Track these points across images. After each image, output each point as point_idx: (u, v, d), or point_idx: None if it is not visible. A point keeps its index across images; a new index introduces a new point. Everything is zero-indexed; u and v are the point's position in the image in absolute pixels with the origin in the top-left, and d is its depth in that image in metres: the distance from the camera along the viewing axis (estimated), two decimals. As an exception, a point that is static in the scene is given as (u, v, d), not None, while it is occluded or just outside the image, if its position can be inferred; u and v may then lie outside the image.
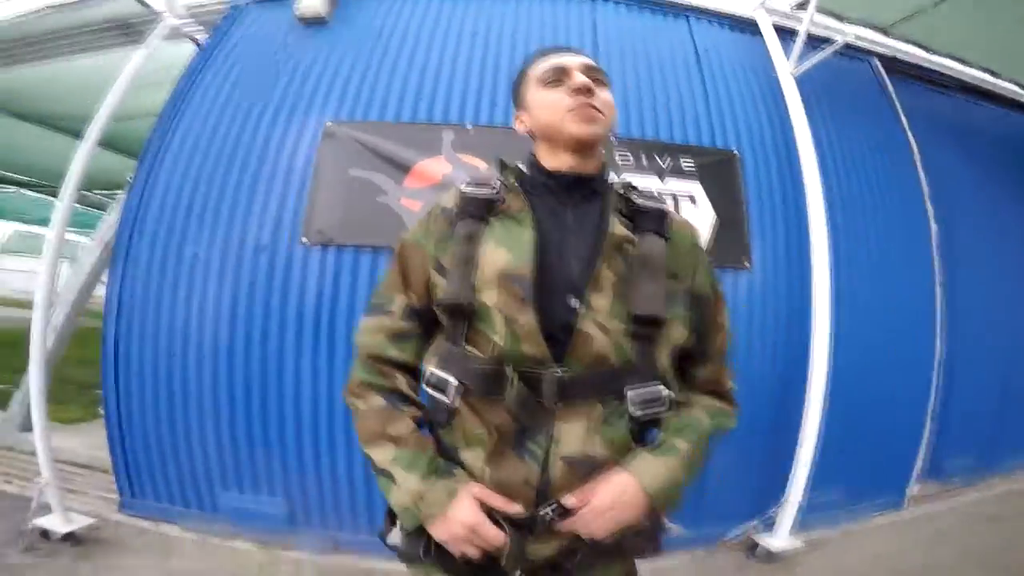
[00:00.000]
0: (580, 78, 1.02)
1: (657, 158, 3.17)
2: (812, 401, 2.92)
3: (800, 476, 2.89)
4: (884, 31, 3.73)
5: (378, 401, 1.04)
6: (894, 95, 4.02)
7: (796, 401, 3.00)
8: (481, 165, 3.02)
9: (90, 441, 3.73)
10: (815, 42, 3.55)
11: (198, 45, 3.63)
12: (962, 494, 3.75)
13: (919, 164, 3.84)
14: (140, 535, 2.85)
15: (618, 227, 0.99)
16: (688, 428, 1.02)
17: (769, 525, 2.99)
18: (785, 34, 3.53)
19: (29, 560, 2.51)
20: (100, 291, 4.19)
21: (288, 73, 3.32)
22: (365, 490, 2.81)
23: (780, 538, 2.91)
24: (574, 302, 0.95)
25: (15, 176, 10.02)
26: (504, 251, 0.97)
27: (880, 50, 4.10)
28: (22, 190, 11.42)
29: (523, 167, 1.12)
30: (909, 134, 3.91)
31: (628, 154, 3.15)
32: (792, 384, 3.06)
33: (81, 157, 2.96)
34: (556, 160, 1.06)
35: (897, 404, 3.46)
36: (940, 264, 3.69)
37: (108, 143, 6.52)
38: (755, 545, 2.94)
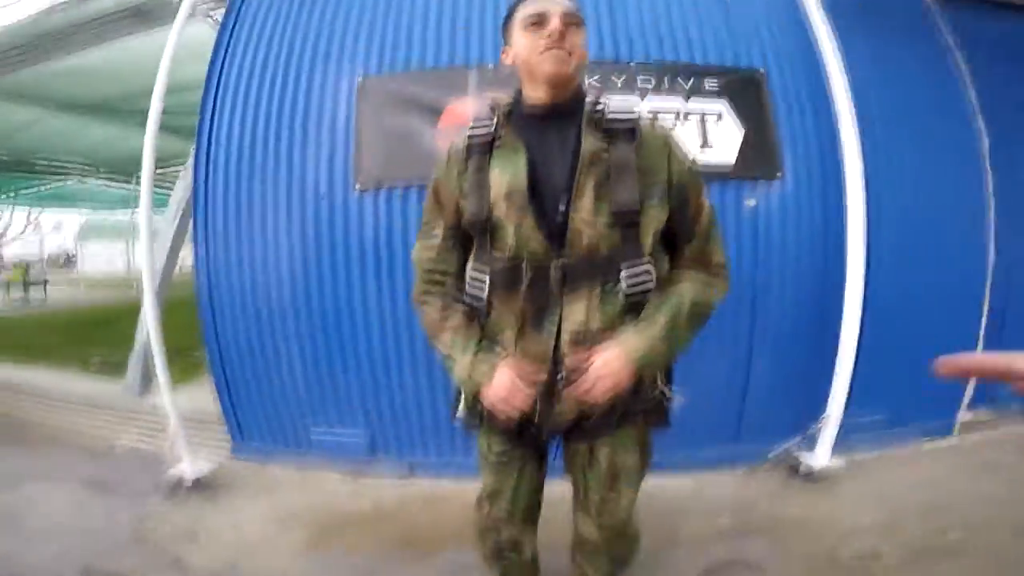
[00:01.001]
0: (555, 23, 1.12)
1: (680, 80, 2.96)
2: (848, 311, 2.72)
3: (839, 390, 2.71)
4: None
5: (436, 303, 1.26)
6: (934, 8, 3.53)
7: (836, 312, 2.80)
8: (506, 99, 2.90)
9: (196, 397, 3.89)
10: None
11: (215, 21, 3.51)
12: (1018, 423, 3.31)
13: (968, 78, 3.40)
14: (251, 476, 2.96)
15: (591, 142, 1.13)
16: (666, 304, 1.15)
17: (811, 443, 2.79)
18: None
19: (170, 506, 2.66)
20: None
21: (314, 30, 3.18)
22: (431, 415, 2.88)
23: (821, 456, 2.71)
24: (562, 207, 1.12)
25: (74, 165, 10.16)
26: (507, 174, 1.15)
27: None
28: (82, 179, 11.59)
29: (511, 100, 1.24)
30: (953, 47, 3.47)
31: (650, 78, 2.95)
32: (831, 296, 2.87)
33: (149, 141, 2.94)
34: (536, 92, 1.18)
35: (945, 321, 3.11)
36: (993, 176, 3.30)
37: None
38: (797, 465, 2.76)
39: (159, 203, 5.54)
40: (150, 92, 2.94)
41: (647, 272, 1.14)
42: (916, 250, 3.12)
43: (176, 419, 2.86)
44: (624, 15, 3.10)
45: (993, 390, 3.33)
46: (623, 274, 1.13)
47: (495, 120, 1.21)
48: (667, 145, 1.19)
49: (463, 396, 1.27)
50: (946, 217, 3.22)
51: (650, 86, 2.95)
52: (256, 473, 3.03)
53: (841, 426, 2.74)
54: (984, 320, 3.28)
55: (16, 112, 6.53)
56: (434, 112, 2.91)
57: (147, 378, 4.07)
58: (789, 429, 2.89)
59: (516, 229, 1.13)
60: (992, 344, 3.25)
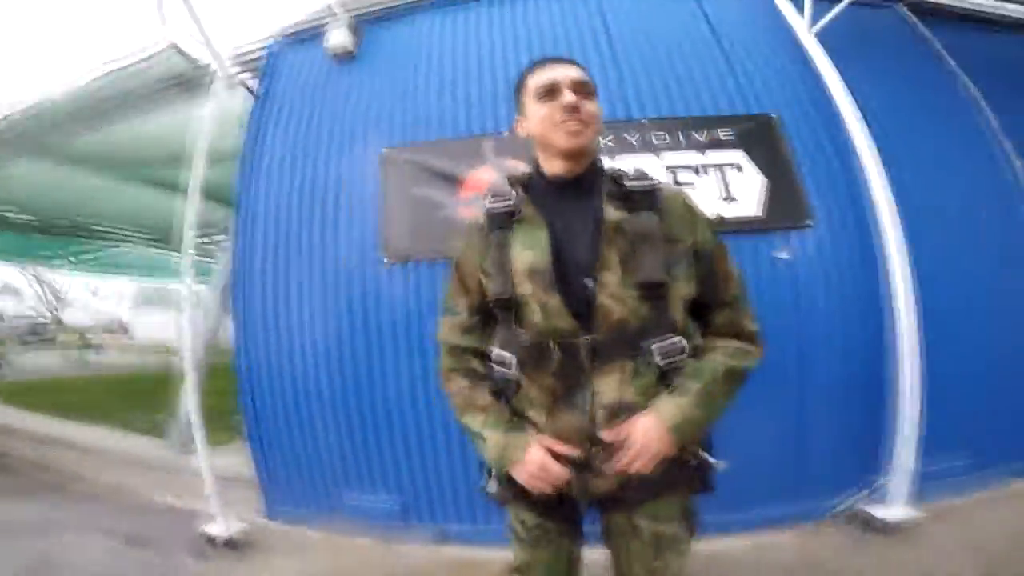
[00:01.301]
0: (568, 97, 1.13)
1: (694, 133, 3.01)
2: (906, 355, 2.58)
3: (907, 439, 2.55)
4: None
5: (463, 382, 1.25)
6: (932, 37, 3.62)
7: (889, 359, 2.67)
8: (523, 166, 3.01)
9: (231, 460, 3.97)
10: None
11: (250, 91, 3.78)
12: None
13: (982, 102, 3.41)
14: (282, 537, 3.00)
15: (611, 213, 1.13)
16: (699, 371, 1.12)
17: (880, 496, 2.64)
18: (795, -8, 3.22)
19: (201, 565, 2.71)
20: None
21: (338, 107, 3.42)
22: (464, 482, 2.85)
23: (894, 508, 2.54)
24: (589, 282, 1.10)
25: (128, 234, 10.70)
26: (528, 251, 1.14)
27: None
28: (135, 246, 12.17)
29: (529, 172, 1.26)
30: (960, 72, 3.50)
31: (664, 134, 3.02)
32: (881, 341, 2.72)
33: (191, 211, 3.18)
34: (552, 165, 1.20)
35: (1012, 354, 2.94)
36: None
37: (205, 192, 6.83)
38: (869, 518, 2.58)
39: (204, 272, 5.78)
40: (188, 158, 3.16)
41: (679, 344, 1.11)
42: (964, 279, 2.97)
43: (211, 479, 2.94)
44: (632, 73, 3.24)
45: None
46: (653, 348, 1.10)
47: (514, 193, 1.21)
48: (690, 211, 1.18)
49: (493, 471, 1.25)
50: (986, 241, 3.11)
51: (665, 141, 3.02)
52: (287, 535, 3.05)
53: (916, 475, 2.58)
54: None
55: (74, 178, 6.95)
56: (454, 182, 3.05)
57: (188, 439, 4.18)
58: (853, 482, 2.74)
59: (542, 308, 1.11)
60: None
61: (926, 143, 3.24)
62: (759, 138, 3.04)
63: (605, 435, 1.09)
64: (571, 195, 1.18)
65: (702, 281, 1.17)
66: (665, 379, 1.12)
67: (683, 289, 1.14)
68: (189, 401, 3.03)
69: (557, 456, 1.11)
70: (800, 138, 3.07)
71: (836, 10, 3.09)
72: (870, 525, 2.57)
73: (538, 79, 1.18)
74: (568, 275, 1.11)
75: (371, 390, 2.98)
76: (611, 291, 1.09)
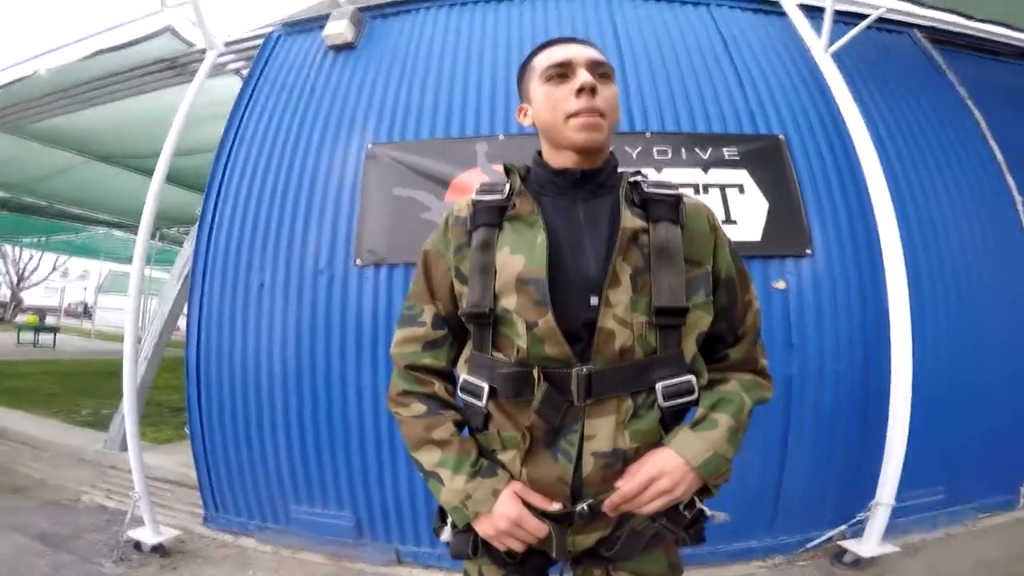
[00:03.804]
0: (584, 77, 0.95)
1: (698, 150, 2.95)
2: (897, 393, 2.57)
3: (891, 475, 2.56)
4: (918, 2, 3.38)
5: (419, 408, 1.03)
6: (944, 65, 3.64)
7: (880, 395, 2.67)
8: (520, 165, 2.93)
9: (180, 460, 3.86)
10: (847, 18, 3.29)
11: (241, 77, 3.71)
12: None
13: (988, 133, 3.44)
14: (221, 547, 2.90)
15: (631, 219, 0.95)
16: (725, 402, 0.96)
17: (857, 530, 2.65)
18: (813, 12, 3.24)
19: (121, 570, 2.59)
20: (183, 322, 4.41)
21: (328, 99, 3.34)
22: (425, 503, 2.74)
23: (871, 543, 2.56)
24: (594, 300, 0.91)
25: (102, 216, 10.59)
26: (519, 256, 0.94)
27: (919, 21, 3.74)
28: (112, 230, 12.13)
29: (530, 165, 1.07)
30: (969, 103, 3.52)
31: (667, 148, 2.95)
32: (874, 377, 2.74)
33: (152, 194, 3.05)
34: (560, 158, 1.01)
35: (998, 393, 3.04)
36: None
37: (178, 179, 6.80)
38: (842, 552, 2.62)
39: (172, 261, 5.66)
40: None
41: (688, 385, 0.94)
42: (959, 319, 3.00)
43: (141, 479, 2.80)
44: (637, 83, 3.18)
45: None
46: (660, 388, 0.92)
47: (508, 186, 1.03)
48: (713, 229, 1.02)
49: (450, 518, 1.03)
50: (990, 280, 3.12)
51: (667, 157, 2.94)
52: (226, 545, 2.94)
53: (890, 509, 2.58)
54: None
55: (53, 157, 6.87)
56: (441, 184, 2.95)
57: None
58: (831, 516, 2.74)
59: (529, 328, 0.92)
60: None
61: (933, 176, 3.23)
62: (765, 159, 2.98)
63: (621, 482, 0.90)
64: (580, 193, 1.00)
65: (721, 312, 1.00)
66: (664, 425, 0.94)
67: (700, 320, 0.97)
68: (125, 390, 2.88)
69: (532, 508, 0.92)
70: (807, 162, 3.03)
71: (854, 31, 3.07)
72: (842, 559, 2.62)
73: (548, 57, 1.00)
74: (567, 289, 0.92)
75: (329, 399, 2.85)
76: (618, 313, 0.90)
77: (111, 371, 8.69)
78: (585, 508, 0.91)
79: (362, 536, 2.82)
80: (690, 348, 0.96)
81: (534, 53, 1.05)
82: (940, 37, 3.81)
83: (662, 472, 0.89)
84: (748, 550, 2.68)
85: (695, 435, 0.92)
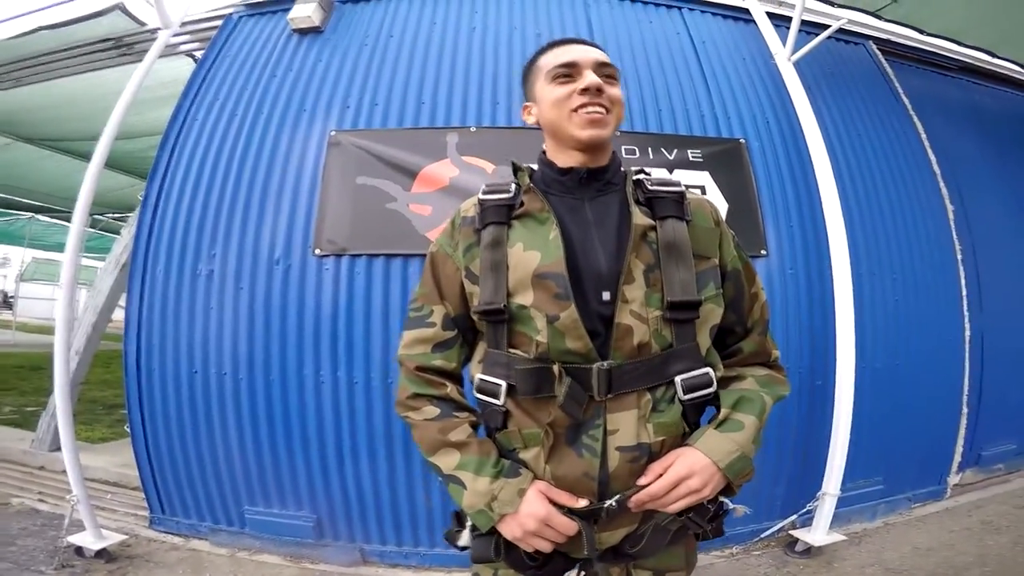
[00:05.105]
0: (591, 78, 0.97)
1: (664, 150, 3.05)
2: (842, 386, 2.75)
3: (836, 466, 2.72)
4: (876, 15, 3.60)
5: (432, 410, 1.02)
6: (893, 77, 3.91)
7: (825, 390, 2.87)
8: (487, 166, 2.92)
9: (118, 459, 3.69)
10: (809, 27, 3.48)
11: (194, 59, 3.55)
12: (1008, 481, 3.56)
13: (927, 144, 3.73)
14: (171, 551, 2.80)
15: (640, 217, 0.97)
16: (747, 401, 0.98)
17: (806, 520, 2.82)
18: (779, 20, 3.42)
19: None
20: (118, 314, 4.18)
21: (289, 84, 3.23)
22: (390, 500, 2.72)
23: (819, 532, 2.72)
24: (607, 296, 0.93)
25: (27, 201, 9.97)
26: (534, 252, 0.96)
27: (875, 34, 4.01)
28: (36, 216, 11.40)
29: (535, 165, 1.09)
30: (913, 115, 3.80)
31: (635, 148, 3.03)
32: (820, 372, 2.94)
33: (90, 178, 2.86)
34: (566, 157, 1.04)
35: (929, 389, 3.30)
36: (960, 242, 3.56)
37: (116, 164, 6.47)
38: (793, 541, 2.78)
39: (108, 249, 5.38)
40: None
41: (706, 377, 0.96)
42: (896, 318, 3.24)
43: (77, 481, 2.65)
44: (607, 83, 3.22)
45: (979, 449, 3.56)
46: (678, 381, 0.94)
47: (514, 184, 1.05)
48: (718, 223, 1.05)
49: (469, 522, 1.02)
50: (924, 283, 3.39)
51: (635, 156, 3.03)
52: (177, 548, 2.84)
53: (837, 500, 2.76)
54: (966, 380, 3.45)
55: None
56: (408, 174, 2.92)
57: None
58: (782, 507, 2.89)
59: (549, 322, 0.93)
60: (976, 405, 3.48)
61: (876, 182, 3.47)
62: (726, 162, 3.12)
63: (645, 480, 0.92)
64: (586, 192, 1.03)
65: (730, 304, 1.04)
66: (686, 418, 0.97)
67: (712, 312, 0.99)
68: (56, 387, 2.71)
69: (558, 507, 0.93)
70: (764, 165, 3.19)
71: (816, 41, 3.25)
72: (794, 548, 2.78)
73: (554, 57, 1.03)
74: (582, 285, 0.94)
75: (285, 393, 2.77)
76: (634, 308, 0.93)
77: (35, 365, 8.15)
78: (614, 504, 0.91)
79: (324, 536, 2.77)
80: (704, 341, 0.98)
81: (540, 53, 1.08)
82: (893, 49, 4.09)
83: (692, 471, 0.90)
84: (706, 541, 2.76)
85: (722, 436, 0.94)
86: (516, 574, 1.02)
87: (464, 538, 1.01)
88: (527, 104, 1.10)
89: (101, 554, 2.61)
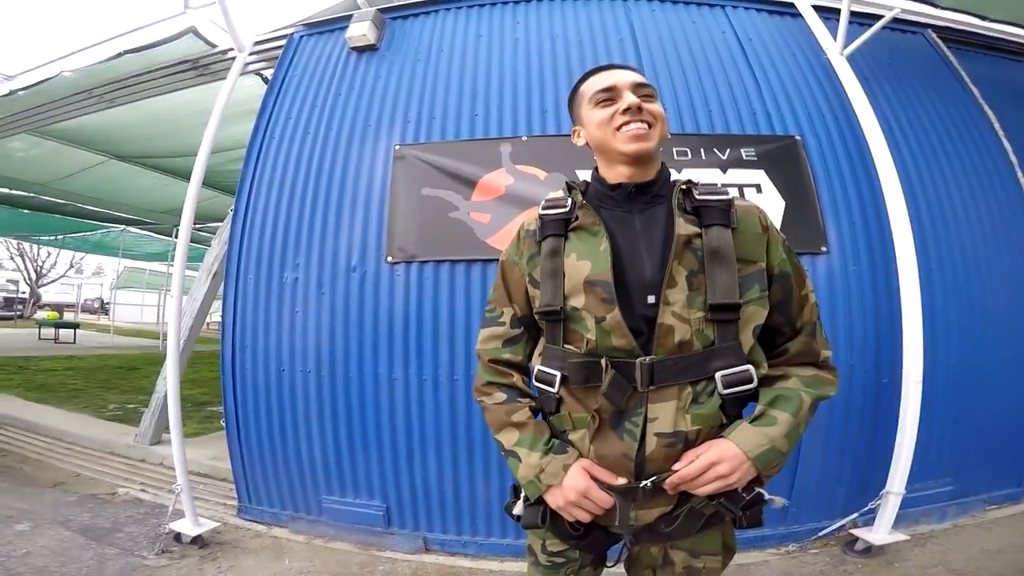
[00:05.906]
0: (630, 98, 1.07)
1: (716, 151, 3.03)
2: (910, 384, 2.65)
3: (902, 465, 2.64)
4: (931, 3, 3.42)
5: (500, 396, 1.19)
6: (958, 65, 3.69)
7: (893, 387, 2.76)
8: (539, 174, 3.01)
9: (208, 452, 3.97)
10: (861, 18, 3.37)
11: (264, 80, 3.77)
12: None
13: (1001, 133, 3.50)
14: (255, 538, 2.98)
15: (684, 226, 1.05)
16: (783, 399, 1.04)
17: (868, 519, 2.74)
18: (827, 13, 3.32)
19: (164, 561, 2.65)
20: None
21: (353, 100, 3.43)
22: (452, 492, 2.84)
23: (880, 532, 2.63)
24: (651, 299, 1.03)
25: (119, 214, 10.75)
26: (586, 261, 1.07)
27: (932, 22, 3.79)
28: (128, 228, 12.31)
29: (589, 181, 1.20)
30: (983, 103, 3.58)
31: (686, 149, 3.03)
32: (887, 370, 2.83)
33: (191, 197, 3.14)
34: (614, 172, 1.13)
35: (1008, 386, 3.10)
36: None
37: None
38: (853, 540, 2.70)
39: (193, 257, 5.75)
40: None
41: (746, 374, 1.03)
42: (971, 314, 3.07)
43: (182, 473, 2.87)
44: (656, 85, 3.19)
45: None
46: (718, 377, 1.02)
47: (570, 200, 1.15)
48: (766, 228, 1.11)
49: (523, 493, 1.16)
50: (999, 278, 3.18)
51: (687, 157, 3.03)
52: (261, 536, 3.02)
53: (902, 500, 2.67)
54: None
55: (73, 156, 7.02)
56: (468, 184, 3.05)
57: (160, 428, 4.12)
58: (844, 505, 2.82)
59: (597, 323, 1.04)
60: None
61: (945, 174, 3.29)
62: (782, 159, 3.06)
63: (679, 464, 1.00)
64: (635, 204, 1.12)
65: (777, 306, 1.09)
66: (725, 411, 1.04)
67: (755, 313, 1.06)
68: (169, 390, 2.95)
69: (598, 482, 1.04)
70: (823, 162, 3.11)
71: (868, 33, 3.14)
72: (853, 547, 2.70)
73: (594, 83, 1.14)
74: (628, 289, 1.04)
75: (361, 392, 2.95)
76: (675, 310, 1.02)
77: (132, 366, 8.86)
78: (648, 484, 1.01)
79: (391, 525, 2.92)
80: (747, 340, 1.05)
81: (581, 81, 1.19)
82: (954, 37, 3.86)
83: (722, 458, 0.98)
84: (761, 538, 2.77)
85: (754, 429, 1.01)
86: (561, 543, 1.17)
87: (518, 507, 1.16)
88: (575, 128, 1.21)
89: (196, 540, 2.81)
